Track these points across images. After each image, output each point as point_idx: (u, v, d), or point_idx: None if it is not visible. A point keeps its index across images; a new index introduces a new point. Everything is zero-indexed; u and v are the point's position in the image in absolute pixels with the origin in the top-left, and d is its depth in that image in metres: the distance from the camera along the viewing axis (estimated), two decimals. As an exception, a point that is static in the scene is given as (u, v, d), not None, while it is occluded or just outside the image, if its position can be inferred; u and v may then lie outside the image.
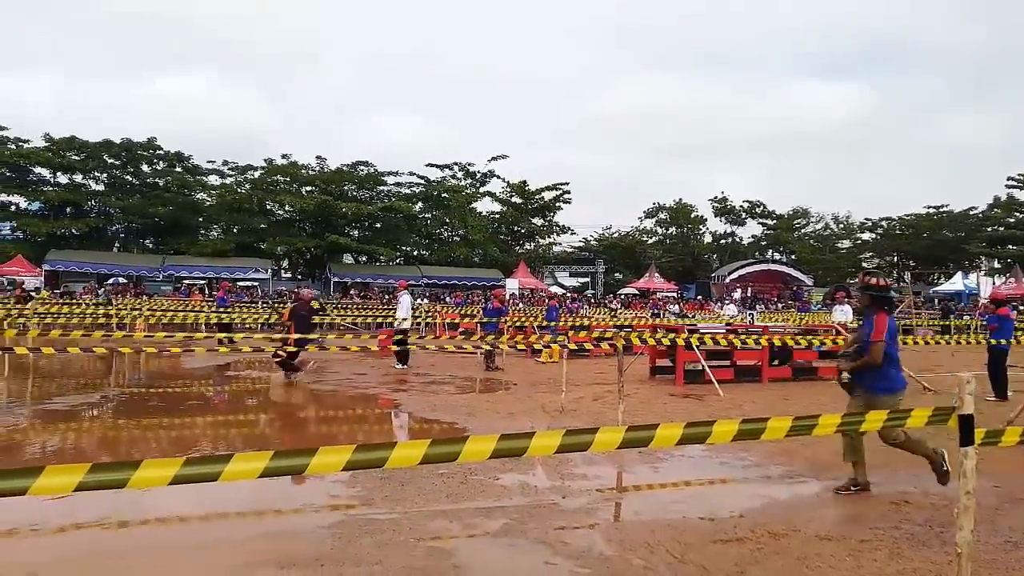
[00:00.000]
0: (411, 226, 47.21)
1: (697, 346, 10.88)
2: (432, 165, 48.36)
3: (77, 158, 40.50)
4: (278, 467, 2.10)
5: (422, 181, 47.63)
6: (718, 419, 2.94)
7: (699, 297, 44.51)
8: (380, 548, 4.32)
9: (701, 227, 59.74)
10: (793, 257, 56.03)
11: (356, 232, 46.41)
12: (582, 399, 10.24)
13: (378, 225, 46.24)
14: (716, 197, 57.65)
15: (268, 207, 44.75)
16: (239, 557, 4.18)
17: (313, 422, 9.25)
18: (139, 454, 7.15)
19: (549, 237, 53.00)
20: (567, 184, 50.58)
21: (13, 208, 41.36)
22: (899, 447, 5.41)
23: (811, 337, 12.18)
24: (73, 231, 40.53)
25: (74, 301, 24.86)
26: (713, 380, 10.64)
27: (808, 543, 4.49)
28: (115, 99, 74.47)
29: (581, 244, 56.53)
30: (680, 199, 58.77)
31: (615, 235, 57.43)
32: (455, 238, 49.23)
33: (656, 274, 45.01)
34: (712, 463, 6.69)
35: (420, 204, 47.90)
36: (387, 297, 34.02)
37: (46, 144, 39.86)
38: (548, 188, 50.36)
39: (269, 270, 40.09)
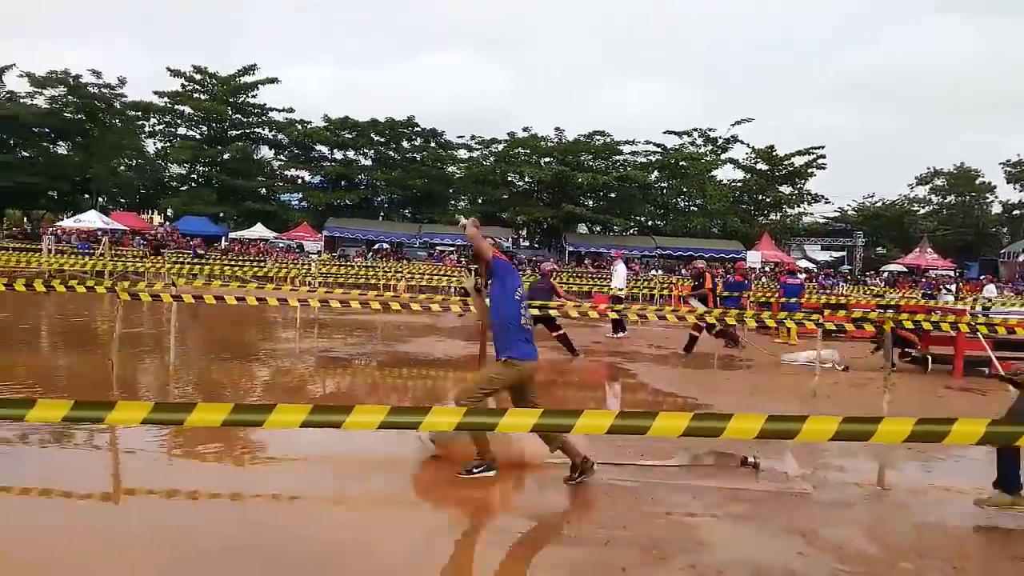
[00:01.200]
0: (646, 195, 46.67)
1: (984, 334, 9.39)
2: (670, 132, 47.17)
3: (349, 136, 45.89)
4: (547, 424, 2.18)
5: (659, 149, 46.71)
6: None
7: (983, 277, 38.44)
8: (621, 514, 4.36)
9: (988, 195, 51.22)
10: (1116, 232, 45.98)
11: (591, 202, 47.03)
12: (837, 384, 9.41)
13: (613, 195, 46.36)
14: (1009, 160, 48.99)
15: (509, 178, 46.96)
16: (491, 503, 4.48)
17: (553, 387, 9.59)
18: (405, 401, 7.96)
19: (799, 207, 49.13)
20: (822, 148, 46.42)
21: (300, 181, 48.23)
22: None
23: None
24: (347, 201, 46.12)
25: (348, 263, 28.35)
26: (1001, 373, 9.14)
27: None
28: (381, 81, 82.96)
29: (836, 214, 51.64)
30: (962, 163, 50.95)
31: (878, 204, 51.54)
32: (692, 208, 47.73)
33: (928, 249, 39.67)
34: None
35: (656, 173, 47.11)
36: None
37: (325, 124, 45.68)
38: (799, 153, 46.58)
39: (510, 239, 42.20)
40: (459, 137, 47.97)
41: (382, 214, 48.63)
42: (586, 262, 38.29)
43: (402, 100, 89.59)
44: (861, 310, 11.32)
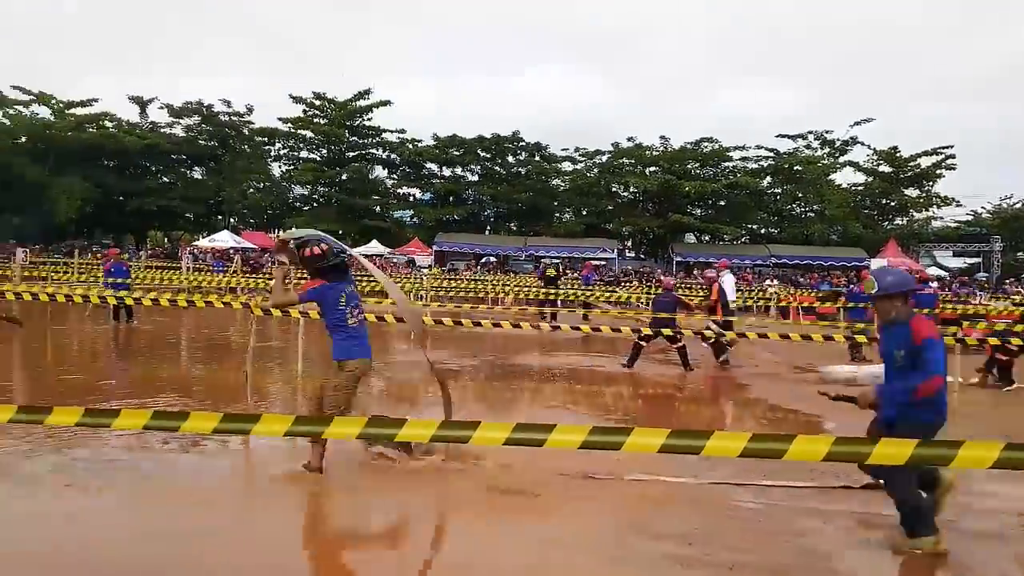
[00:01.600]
0: (758, 203, 45.05)
1: None
2: (783, 136, 45.34)
3: (457, 153, 47.07)
4: (676, 445, 2.13)
5: (771, 154, 44.96)
6: None
7: None
8: (746, 536, 4.20)
9: None
10: None
11: (699, 211, 45.89)
12: (980, 403, 8.67)
13: (722, 203, 45.06)
14: None
15: (614, 189, 46.57)
16: (607, 522, 4.42)
17: (672, 402, 9.38)
18: (508, 413, 8.02)
19: (927, 210, 45.81)
20: (951, 147, 43.15)
21: (411, 199, 49.91)
22: None
23: None
24: (455, 217, 47.30)
25: (457, 277, 29.02)
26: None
27: None
28: (486, 98, 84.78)
29: (969, 218, 47.79)
30: (1119, 156, 45.83)
31: (1017, 205, 47.24)
32: (809, 214, 45.59)
33: (1080, 253, 35.96)
34: None
35: (768, 179, 45.38)
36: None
37: (433, 143, 47.12)
38: (926, 153, 43.51)
39: (615, 250, 41.80)
40: (563, 149, 48.18)
41: (489, 228, 49.46)
42: (695, 272, 37.32)
43: (507, 116, 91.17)
44: (1003, 321, 10.33)
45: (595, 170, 46.68)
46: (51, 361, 10.44)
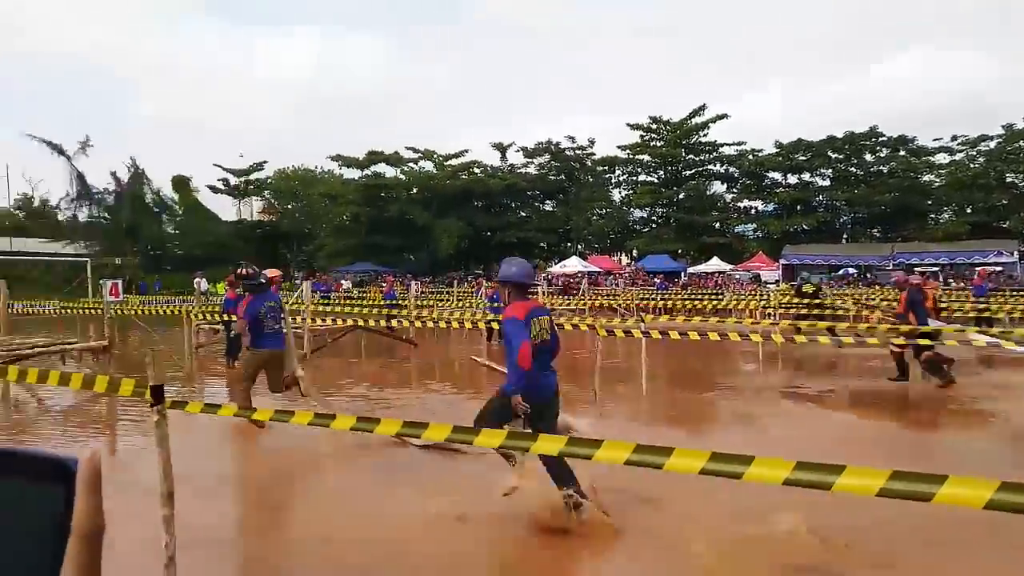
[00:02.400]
0: None
1: None
2: None
3: (803, 158, 43.73)
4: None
5: None
6: None
7: None
8: None
9: None
10: None
11: None
12: None
13: None
14: None
15: (1009, 179, 38.60)
16: None
17: (942, 434, 7.31)
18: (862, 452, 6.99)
19: None
20: None
21: (753, 211, 47.77)
22: None
23: None
24: (803, 227, 43.92)
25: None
26: None
27: None
28: (836, 94, 77.25)
29: None
30: None
31: None
32: None
33: None
34: None
35: None
36: None
37: (776, 151, 44.48)
38: None
39: (1016, 252, 34.44)
40: (935, 140, 41.61)
41: (845, 236, 44.86)
42: None
43: (860, 111, 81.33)
44: None
45: (980, 159, 39.34)
46: (439, 376, 12.25)
